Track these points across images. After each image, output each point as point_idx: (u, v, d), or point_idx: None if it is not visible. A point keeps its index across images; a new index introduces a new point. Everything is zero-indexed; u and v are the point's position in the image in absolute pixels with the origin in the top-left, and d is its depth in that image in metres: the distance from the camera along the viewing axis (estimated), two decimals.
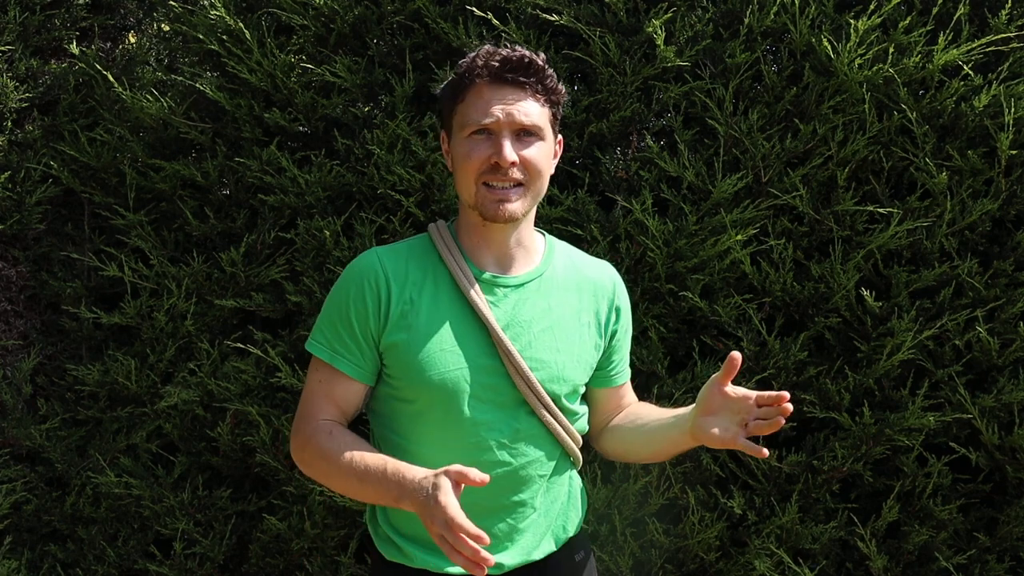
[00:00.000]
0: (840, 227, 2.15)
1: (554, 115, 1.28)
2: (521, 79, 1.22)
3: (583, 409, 1.37)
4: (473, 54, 1.24)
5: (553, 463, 1.31)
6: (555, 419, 1.27)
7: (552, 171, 1.31)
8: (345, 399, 1.27)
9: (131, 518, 2.44)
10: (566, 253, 1.39)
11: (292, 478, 2.29)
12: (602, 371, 1.40)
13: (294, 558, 2.33)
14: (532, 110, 1.23)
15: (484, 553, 1.00)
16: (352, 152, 2.30)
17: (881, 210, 2.11)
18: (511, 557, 1.29)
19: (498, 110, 1.21)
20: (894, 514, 2.11)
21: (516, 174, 1.23)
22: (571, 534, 1.36)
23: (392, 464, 1.15)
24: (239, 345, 2.31)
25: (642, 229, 2.13)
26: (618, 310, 1.39)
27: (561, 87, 1.28)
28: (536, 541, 1.31)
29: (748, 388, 2.09)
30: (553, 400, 1.27)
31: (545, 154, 1.26)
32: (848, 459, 2.09)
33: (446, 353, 1.22)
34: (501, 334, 1.23)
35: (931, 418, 2.05)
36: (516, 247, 1.31)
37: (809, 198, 2.14)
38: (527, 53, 1.23)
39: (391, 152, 2.22)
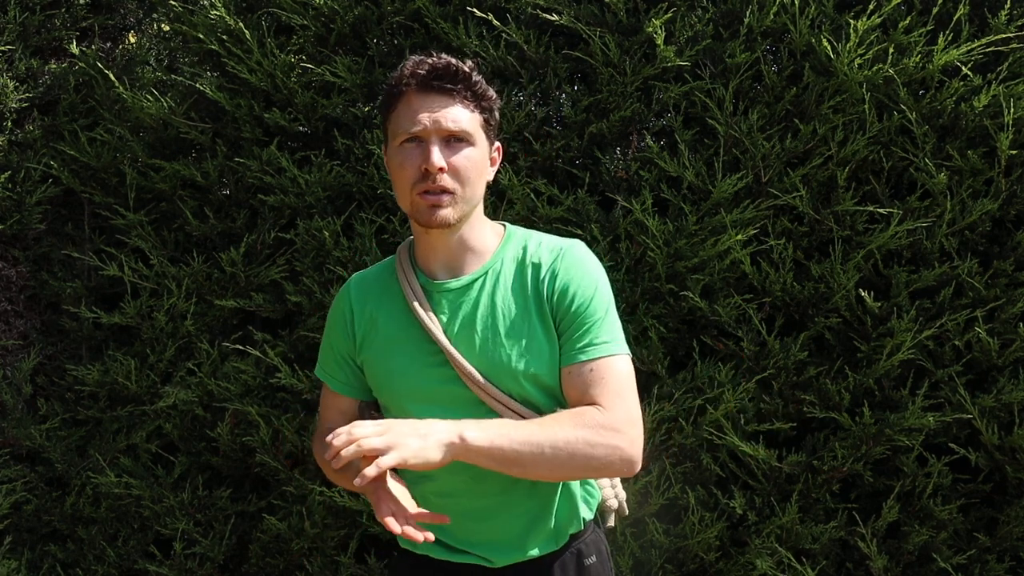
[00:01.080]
0: (840, 227, 2.15)
1: (486, 120, 1.28)
2: (448, 86, 1.23)
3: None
4: (402, 65, 1.26)
5: None
6: (520, 414, 1.26)
7: (489, 177, 1.31)
8: (342, 410, 1.43)
9: (131, 518, 2.44)
10: (520, 243, 1.34)
11: (292, 478, 2.29)
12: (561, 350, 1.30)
13: (294, 558, 2.33)
14: (460, 116, 1.24)
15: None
16: (352, 152, 2.30)
17: (881, 210, 2.11)
18: (502, 555, 1.30)
19: (425, 117, 1.23)
20: (894, 514, 2.11)
21: (446, 181, 1.24)
22: (571, 531, 1.36)
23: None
24: (239, 346, 2.31)
25: (642, 229, 2.13)
26: (552, 278, 1.29)
27: (492, 93, 1.29)
28: (528, 539, 1.31)
29: (749, 388, 2.10)
30: (513, 396, 1.26)
31: (477, 160, 1.26)
32: (848, 459, 2.09)
33: (401, 364, 1.30)
34: (442, 338, 1.27)
35: (931, 418, 2.05)
36: (462, 250, 1.31)
37: (809, 198, 2.14)
38: (452, 60, 1.25)
39: None
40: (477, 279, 1.31)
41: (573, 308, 1.27)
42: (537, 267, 1.30)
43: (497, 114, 1.31)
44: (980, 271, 2.13)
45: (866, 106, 2.09)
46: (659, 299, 2.17)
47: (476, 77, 1.26)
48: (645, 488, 2.16)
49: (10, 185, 2.54)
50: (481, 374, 1.26)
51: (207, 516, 2.39)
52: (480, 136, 1.27)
